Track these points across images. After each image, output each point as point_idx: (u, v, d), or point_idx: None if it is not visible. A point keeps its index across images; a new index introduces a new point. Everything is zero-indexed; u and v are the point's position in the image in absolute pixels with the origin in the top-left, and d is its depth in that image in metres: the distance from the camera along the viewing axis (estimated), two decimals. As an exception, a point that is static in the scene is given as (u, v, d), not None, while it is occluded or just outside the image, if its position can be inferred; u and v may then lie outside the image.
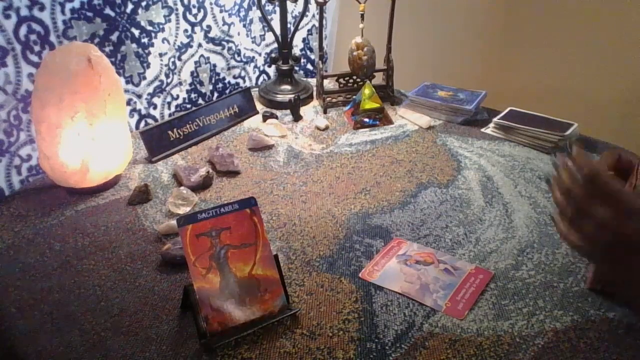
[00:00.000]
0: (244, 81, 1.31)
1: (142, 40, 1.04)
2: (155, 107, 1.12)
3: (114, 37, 0.99)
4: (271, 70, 1.36)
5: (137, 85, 1.06)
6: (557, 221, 0.57)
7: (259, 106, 1.19)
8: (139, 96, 1.08)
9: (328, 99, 1.20)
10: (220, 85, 1.25)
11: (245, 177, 0.94)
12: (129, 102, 1.06)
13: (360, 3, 1.10)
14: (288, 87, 1.21)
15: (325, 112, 1.17)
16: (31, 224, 0.81)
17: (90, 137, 0.82)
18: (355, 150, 1.02)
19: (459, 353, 0.59)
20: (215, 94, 1.25)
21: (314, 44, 1.40)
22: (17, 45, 0.85)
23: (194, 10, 1.12)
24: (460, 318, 0.63)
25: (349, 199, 0.87)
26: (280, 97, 1.19)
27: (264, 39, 1.31)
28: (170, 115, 1.15)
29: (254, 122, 1.14)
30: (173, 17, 1.08)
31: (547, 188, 0.88)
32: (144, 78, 1.07)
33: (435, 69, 1.49)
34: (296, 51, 1.37)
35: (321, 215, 0.83)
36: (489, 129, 1.07)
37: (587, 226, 0.54)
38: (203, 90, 1.21)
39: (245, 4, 1.22)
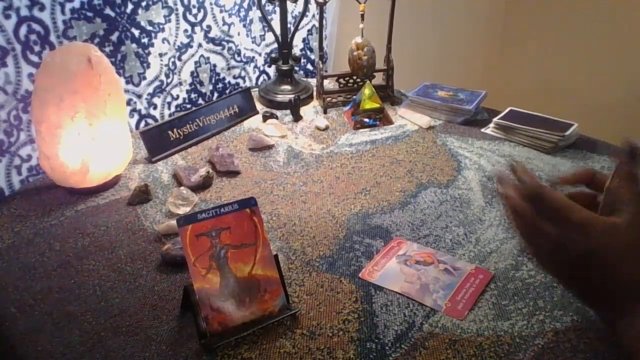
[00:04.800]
0: (244, 81, 1.31)
1: (142, 40, 1.04)
2: (155, 107, 1.12)
3: (114, 37, 0.99)
4: (271, 70, 1.36)
5: (137, 85, 1.06)
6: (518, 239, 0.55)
7: (259, 106, 1.19)
8: (139, 96, 1.08)
9: (328, 99, 1.20)
10: (220, 85, 1.25)
11: (245, 177, 0.94)
12: (129, 102, 1.06)
13: (360, 3, 1.10)
14: (288, 87, 1.21)
15: (325, 112, 1.17)
16: (31, 224, 0.81)
17: (90, 137, 0.82)
18: (355, 151, 1.02)
19: (459, 353, 0.59)
20: (215, 94, 1.25)
21: (314, 44, 1.40)
22: (17, 45, 0.85)
23: (194, 10, 1.12)
24: (460, 318, 0.63)
25: (349, 199, 0.87)
26: (280, 97, 1.19)
27: (264, 39, 1.31)
28: (170, 115, 1.15)
29: (254, 122, 1.14)
30: (173, 17, 1.08)
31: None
32: (144, 78, 1.07)
33: (435, 69, 1.49)
34: (296, 51, 1.37)
35: (321, 215, 0.83)
36: (489, 129, 1.07)
37: (543, 244, 0.52)
38: (203, 90, 1.21)
39: (245, 4, 1.22)
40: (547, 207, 0.51)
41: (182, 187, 0.86)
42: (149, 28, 1.04)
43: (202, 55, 1.17)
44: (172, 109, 1.16)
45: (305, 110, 1.18)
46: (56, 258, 0.74)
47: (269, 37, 1.30)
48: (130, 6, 0.99)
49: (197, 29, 1.14)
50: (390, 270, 0.71)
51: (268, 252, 0.63)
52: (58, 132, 0.80)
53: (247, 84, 1.32)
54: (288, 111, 1.16)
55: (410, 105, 1.16)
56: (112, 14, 0.97)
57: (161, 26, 1.06)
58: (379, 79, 1.21)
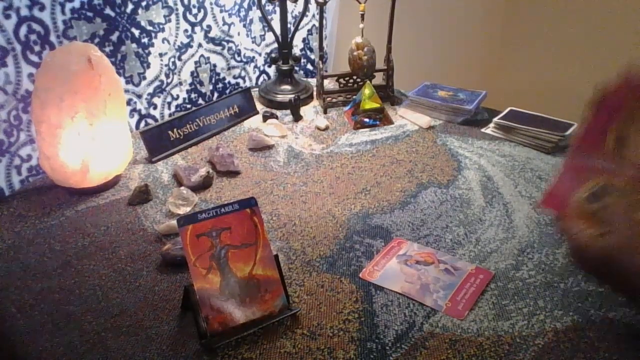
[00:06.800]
0: (244, 81, 1.31)
1: (142, 40, 1.04)
2: (155, 107, 1.12)
3: (114, 37, 0.99)
4: (271, 70, 1.36)
5: (137, 85, 1.06)
6: None
7: (259, 106, 1.19)
8: (139, 96, 1.08)
9: (328, 99, 1.20)
10: (220, 85, 1.25)
11: (246, 177, 0.94)
12: (129, 102, 1.06)
13: (360, 3, 1.10)
14: (288, 87, 1.21)
15: (325, 112, 1.17)
16: (31, 224, 0.81)
17: (90, 137, 0.82)
18: (356, 151, 1.02)
19: (459, 353, 0.59)
20: (215, 94, 1.25)
21: (314, 44, 1.40)
22: (17, 45, 0.85)
23: (194, 10, 1.12)
24: (460, 318, 0.63)
25: (349, 199, 0.87)
26: (280, 97, 1.19)
27: (264, 39, 1.31)
28: (170, 115, 1.15)
29: (254, 122, 1.14)
30: (173, 17, 1.08)
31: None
32: (144, 78, 1.07)
33: (435, 69, 1.49)
34: (296, 51, 1.37)
35: (321, 216, 0.83)
36: (489, 129, 1.07)
37: None
38: (203, 90, 1.21)
39: (245, 4, 1.22)
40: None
41: (182, 187, 0.86)
42: (149, 28, 1.04)
43: (202, 55, 1.17)
44: (172, 109, 1.16)
45: (305, 110, 1.18)
46: (56, 258, 0.74)
47: (269, 37, 1.30)
48: (130, 6, 0.99)
49: (197, 29, 1.14)
50: (391, 270, 0.71)
51: (268, 252, 0.63)
52: (58, 132, 0.80)
53: (247, 84, 1.32)
54: (288, 111, 1.16)
55: (410, 105, 1.16)
56: (112, 14, 0.97)
57: (161, 26, 1.06)
58: (379, 79, 1.21)
